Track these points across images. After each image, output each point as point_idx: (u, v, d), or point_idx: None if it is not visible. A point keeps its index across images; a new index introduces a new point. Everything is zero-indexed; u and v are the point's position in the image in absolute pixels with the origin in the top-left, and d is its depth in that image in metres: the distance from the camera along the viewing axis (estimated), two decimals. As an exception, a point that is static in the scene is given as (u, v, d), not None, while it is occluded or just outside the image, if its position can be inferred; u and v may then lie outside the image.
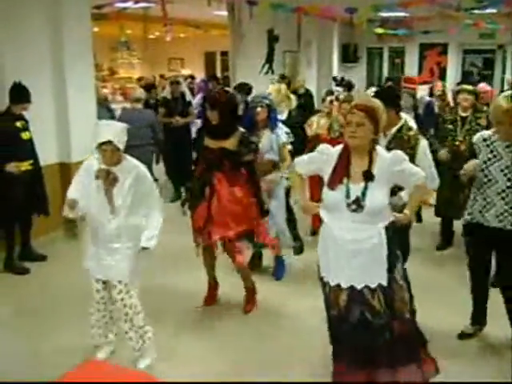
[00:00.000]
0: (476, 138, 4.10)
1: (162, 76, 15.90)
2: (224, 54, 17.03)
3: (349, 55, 16.48)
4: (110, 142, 3.55)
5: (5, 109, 5.58)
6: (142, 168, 3.81)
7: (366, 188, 3.25)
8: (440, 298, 4.97)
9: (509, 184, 3.91)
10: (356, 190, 3.26)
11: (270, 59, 12.52)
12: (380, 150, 3.38)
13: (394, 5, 9.48)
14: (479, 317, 4.36)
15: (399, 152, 3.37)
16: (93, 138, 3.61)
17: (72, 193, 3.76)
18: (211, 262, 4.88)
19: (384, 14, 12.53)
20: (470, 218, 4.14)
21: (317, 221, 5.47)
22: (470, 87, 6.16)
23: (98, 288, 3.86)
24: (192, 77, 13.44)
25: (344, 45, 16.35)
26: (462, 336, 4.35)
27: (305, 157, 3.62)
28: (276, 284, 5.41)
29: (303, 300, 4.90)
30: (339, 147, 3.43)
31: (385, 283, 3.31)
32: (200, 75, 16.58)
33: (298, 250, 5.91)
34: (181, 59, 19.57)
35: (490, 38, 15.38)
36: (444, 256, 6.24)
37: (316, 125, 6.42)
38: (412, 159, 4.03)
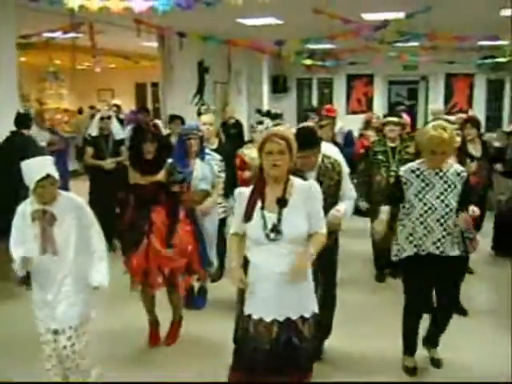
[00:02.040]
0: (403, 171, 4.20)
1: (92, 107, 15.64)
2: (155, 85, 16.96)
3: (278, 86, 16.74)
4: (48, 176, 3.42)
5: None
6: (79, 200, 3.68)
7: (280, 214, 3.24)
8: (378, 326, 5.10)
9: (447, 210, 4.08)
10: (272, 218, 3.25)
11: (200, 90, 12.58)
12: (295, 178, 3.39)
13: (321, 37, 9.70)
14: (413, 346, 4.42)
15: (318, 186, 3.39)
16: (28, 177, 3.44)
17: (18, 249, 3.52)
18: (152, 300, 4.80)
19: (312, 46, 12.82)
20: (407, 250, 4.21)
21: None
22: (395, 119, 6.35)
23: (50, 339, 3.59)
24: (117, 106, 13.08)
25: (274, 76, 16.62)
26: (411, 371, 4.38)
27: (235, 219, 3.50)
28: (196, 313, 5.38)
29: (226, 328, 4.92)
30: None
31: (316, 310, 3.40)
32: (131, 107, 16.43)
33: (216, 277, 5.95)
34: (111, 90, 19.37)
35: (413, 69, 15.97)
36: (382, 286, 6.37)
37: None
38: (339, 184, 4.18)
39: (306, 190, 3.32)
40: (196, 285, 5.54)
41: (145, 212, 4.51)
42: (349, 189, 4.38)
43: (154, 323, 4.88)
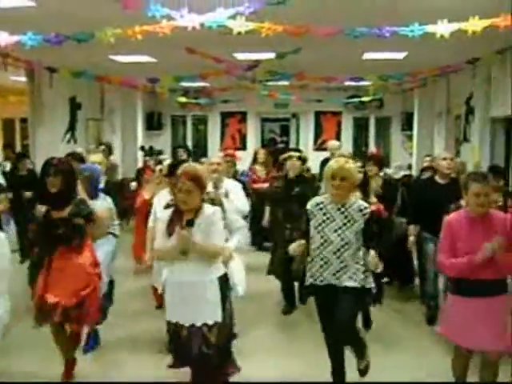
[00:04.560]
0: (310, 204, 4.39)
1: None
2: (24, 120, 16.30)
3: (153, 123, 16.67)
4: None
5: None
6: None
7: (189, 233, 3.90)
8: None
9: (342, 243, 4.24)
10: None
11: (72, 127, 12.28)
12: (206, 205, 4.08)
13: (195, 76, 9.83)
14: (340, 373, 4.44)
15: (219, 211, 4.14)
16: None
17: None
18: (63, 337, 4.62)
19: (185, 84, 12.93)
20: (311, 280, 4.38)
21: (159, 298, 5.59)
22: (297, 153, 6.57)
23: None
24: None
25: (148, 112, 16.55)
26: None
27: (158, 238, 4.13)
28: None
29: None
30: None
31: (220, 319, 4.02)
32: (-2, 143, 15.67)
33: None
34: (-24, 126, 18.37)
35: (285, 107, 16.52)
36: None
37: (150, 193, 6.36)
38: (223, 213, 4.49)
39: (209, 214, 4.01)
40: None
41: (49, 247, 4.44)
42: (235, 220, 5.11)
43: (70, 360, 4.70)
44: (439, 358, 5.09)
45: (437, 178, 6.35)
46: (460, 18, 5.25)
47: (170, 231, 4.00)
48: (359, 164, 6.09)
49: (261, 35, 5.42)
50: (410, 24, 5.39)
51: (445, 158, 6.28)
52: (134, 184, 9.44)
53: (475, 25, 5.20)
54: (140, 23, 5.44)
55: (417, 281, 7.37)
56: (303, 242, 4.36)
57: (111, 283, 5.69)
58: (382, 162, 7.28)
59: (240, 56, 9.42)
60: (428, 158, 9.74)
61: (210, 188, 5.72)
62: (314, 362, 4.87)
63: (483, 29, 5.22)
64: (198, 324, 3.98)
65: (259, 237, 9.18)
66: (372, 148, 16.66)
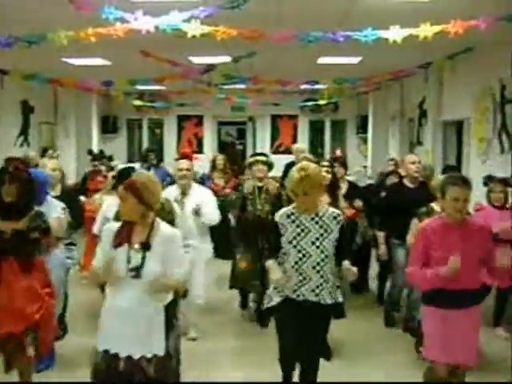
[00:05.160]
0: (279, 216, 4.02)
1: None
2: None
3: (108, 126, 16.47)
4: None
5: None
6: None
7: (144, 257, 3.51)
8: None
9: (322, 256, 3.93)
10: (136, 257, 3.52)
11: (25, 131, 12.05)
12: (162, 223, 3.67)
13: (150, 79, 9.75)
14: None
15: (179, 235, 3.70)
16: None
17: None
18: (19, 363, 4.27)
19: (141, 87, 12.83)
20: (282, 296, 4.02)
21: None
22: (264, 158, 6.37)
23: None
24: None
25: (103, 116, 16.34)
26: None
27: (98, 253, 3.68)
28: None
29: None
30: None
31: (162, 353, 3.55)
32: None
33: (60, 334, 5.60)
34: None
35: (241, 110, 16.53)
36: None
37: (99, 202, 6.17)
38: (173, 222, 4.24)
39: (169, 238, 3.61)
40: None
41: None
42: (188, 232, 4.92)
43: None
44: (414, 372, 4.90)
45: (406, 182, 6.31)
46: (414, 23, 5.34)
47: (116, 243, 3.55)
48: (326, 164, 6.15)
49: (216, 39, 5.41)
50: (363, 29, 5.45)
51: (413, 162, 6.24)
52: (79, 190, 8.59)
53: (426, 30, 5.29)
54: (94, 25, 5.37)
55: (373, 286, 7.41)
56: (282, 273, 3.91)
57: (65, 297, 5.52)
58: (346, 164, 7.27)
59: (196, 59, 9.39)
60: (392, 162, 9.68)
61: (176, 194, 5.69)
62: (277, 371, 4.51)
63: (434, 34, 5.31)
64: (137, 356, 3.49)
65: (223, 246, 9.04)
66: (328, 150, 16.85)
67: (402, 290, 6.28)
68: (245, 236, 6.21)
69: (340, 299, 4.09)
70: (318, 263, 3.94)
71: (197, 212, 5.64)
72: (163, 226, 3.67)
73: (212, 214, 5.84)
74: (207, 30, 5.24)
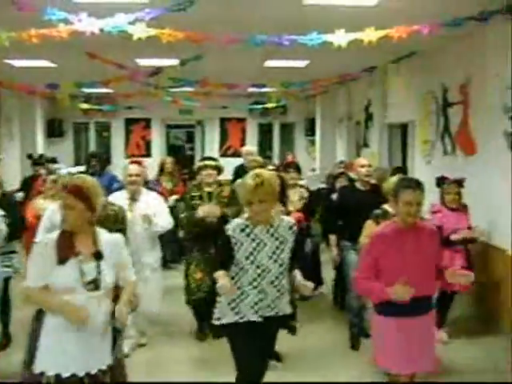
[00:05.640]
0: (232, 229, 3.76)
1: None
2: None
3: (54, 130, 16.14)
4: None
5: None
6: None
7: (98, 267, 3.31)
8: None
9: (281, 269, 3.77)
10: (89, 269, 3.29)
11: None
12: (100, 230, 3.46)
13: (96, 82, 9.61)
14: None
15: (122, 239, 3.54)
16: None
17: None
18: None
19: (87, 90, 12.63)
20: (237, 318, 3.79)
21: None
22: (213, 163, 6.18)
23: None
24: None
25: (49, 119, 16.01)
26: None
27: (32, 272, 3.34)
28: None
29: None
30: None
31: (111, 361, 3.39)
32: None
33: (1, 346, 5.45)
34: None
35: (189, 114, 16.46)
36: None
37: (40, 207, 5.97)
38: (124, 231, 4.17)
39: (114, 244, 3.45)
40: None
41: None
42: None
43: None
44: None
45: (357, 185, 6.30)
46: (359, 28, 5.43)
47: (61, 258, 3.26)
48: (272, 168, 6.11)
49: (163, 41, 5.38)
50: (309, 33, 5.51)
51: (363, 166, 6.21)
52: (20, 195, 8.18)
53: (371, 35, 5.38)
54: (37, 26, 5.26)
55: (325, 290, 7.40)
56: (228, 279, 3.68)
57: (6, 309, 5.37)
58: (300, 168, 7.12)
59: (143, 62, 9.33)
60: (341, 165, 9.70)
61: (124, 199, 5.59)
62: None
63: (378, 39, 5.41)
64: (94, 371, 3.28)
65: (173, 253, 8.99)
66: (277, 153, 16.96)
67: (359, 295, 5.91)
68: (196, 244, 5.96)
69: (288, 310, 3.96)
70: (277, 277, 3.78)
71: (149, 221, 5.52)
72: (103, 232, 3.48)
73: (164, 222, 5.76)
74: (153, 33, 5.20)
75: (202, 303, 5.72)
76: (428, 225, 4.11)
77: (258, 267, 3.73)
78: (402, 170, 8.13)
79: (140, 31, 5.09)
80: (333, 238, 6.28)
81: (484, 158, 6.93)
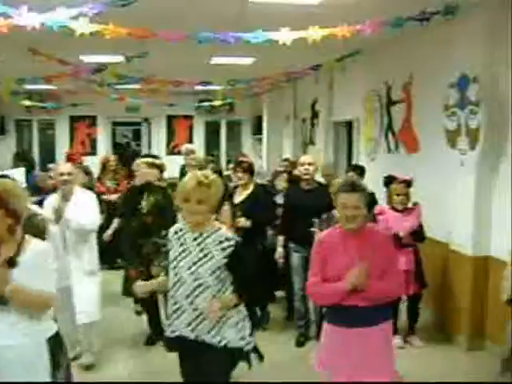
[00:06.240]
0: (171, 231, 3.58)
1: None
2: None
3: (-6, 128, 15.73)
4: None
5: None
6: None
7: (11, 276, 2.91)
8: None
9: (195, 285, 3.36)
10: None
11: None
12: (33, 239, 3.11)
13: (38, 78, 9.40)
14: None
15: (50, 249, 3.19)
16: None
17: None
18: None
19: (29, 87, 12.35)
20: (169, 331, 3.54)
21: None
22: (149, 160, 6.08)
23: None
24: None
25: (-9, 117, 15.58)
26: None
27: None
28: None
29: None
30: None
31: None
32: None
33: None
34: None
35: (136, 111, 16.29)
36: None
37: None
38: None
39: (40, 252, 3.06)
40: None
41: None
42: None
43: None
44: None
45: (302, 184, 5.99)
46: (304, 26, 5.48)
47: None
48: (212, 166, 6.01)
49: (107, 38, 5.30)
50: (253, 30, 5.53)
51: (302, 164, 5.91)
52: None
53: (315, 33, 5.43)
54: (-25, 21, 5.11)
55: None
56: (160, 279, 3.59)
57: None
58: (253, 168, 6.49)
59: (87, 58, 9.17)
60: (285, 163, 9.44)
61: (57, 201, 5.32)
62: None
63: (323, 37, 5.47)
64: None
65: (110, 254, 8.79)
66: (224, 151, 16.96)
67: (305, 297, 5.76)
68: (133, 243, 5.88)
69: (226, 340, 3.42)
70: (192, 292, 3.36)
71: (57, 215, 5.13)
72: (35, 241, 3.12)
73: (87, 220, 5.27)
74: (96, 29, 5.12)
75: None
76: (380, 230, 3.93)
77: (175, 275, 3.43)
78: (360, 167, 7.51)
79: (82, 27, 5.00)
80: (280, 238, 6.08)
81: (427, 156, 7.08)
